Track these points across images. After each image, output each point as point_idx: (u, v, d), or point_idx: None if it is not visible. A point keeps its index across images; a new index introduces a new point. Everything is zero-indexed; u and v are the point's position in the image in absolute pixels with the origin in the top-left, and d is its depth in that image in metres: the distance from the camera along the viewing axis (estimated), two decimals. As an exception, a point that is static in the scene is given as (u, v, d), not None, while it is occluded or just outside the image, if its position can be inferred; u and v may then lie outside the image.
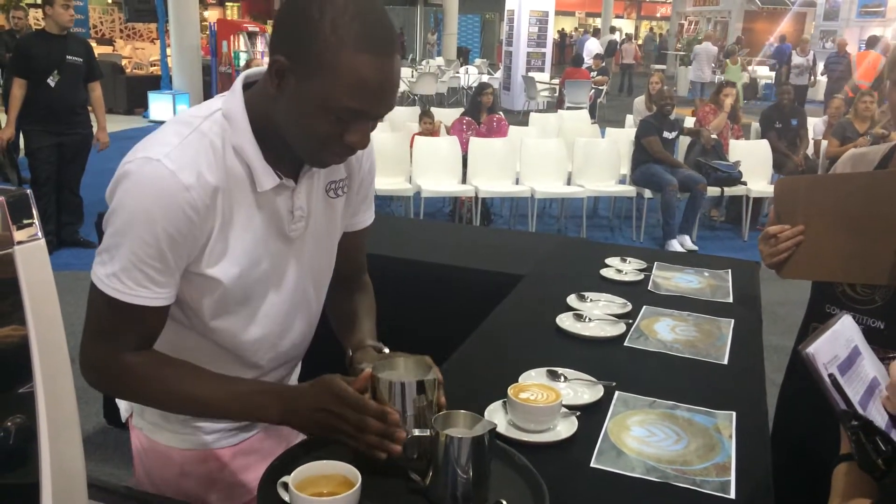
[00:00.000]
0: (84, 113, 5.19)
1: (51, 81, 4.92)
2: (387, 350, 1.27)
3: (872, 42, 11.34)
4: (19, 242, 0.77)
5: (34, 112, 4.97)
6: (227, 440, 1.31)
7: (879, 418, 0.95)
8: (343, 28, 0.98)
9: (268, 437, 1.36)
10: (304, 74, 1.00)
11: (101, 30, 20.29)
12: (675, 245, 6.01)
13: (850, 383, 0.98)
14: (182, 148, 1.05)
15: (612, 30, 23.76)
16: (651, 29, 33.49)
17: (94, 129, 5.27)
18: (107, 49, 17.15)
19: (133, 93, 12.57)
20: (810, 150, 7.22)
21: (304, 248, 1.23)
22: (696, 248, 6.07)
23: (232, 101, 1.11)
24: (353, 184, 1.30)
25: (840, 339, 1.03)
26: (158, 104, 11.92)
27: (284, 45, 1.01)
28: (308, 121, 1.04)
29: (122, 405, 1.37)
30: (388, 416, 1.07)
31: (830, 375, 0.94)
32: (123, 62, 14.58)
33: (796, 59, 12.90)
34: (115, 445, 2.90)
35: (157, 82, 12.60)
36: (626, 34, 24.74)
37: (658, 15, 37.78)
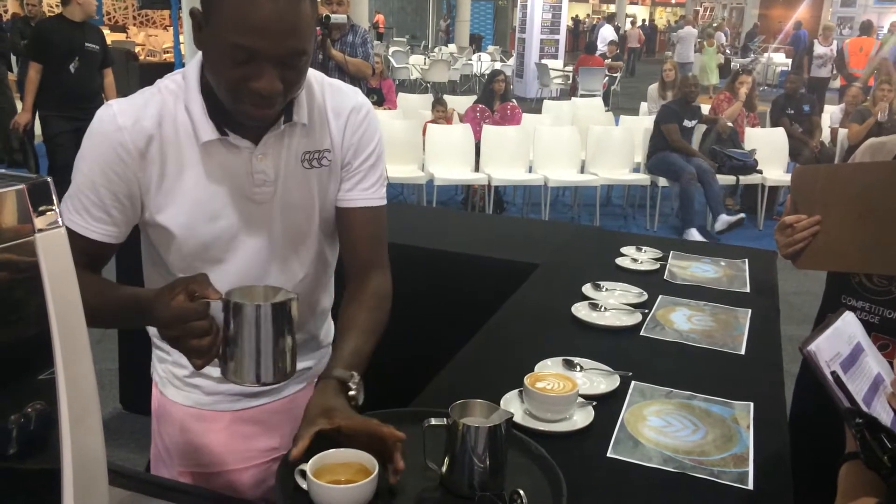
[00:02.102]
0: (99, 100, 5.22)
1: (72, 68, 4.97)
2: (354, 383, 1.15)
3: (865, 28, 11.03)
4: (40, 230, 0.77)
5: (52, 98, 5.00)
6: (226, 404, 1.34)
7: (885, 415, 0.94)
8: None
9: (277, 411, 1.37)
10: (206, 20, 1.06)
11: (114, 17, 20.31)
12: (695, 234, 5.94)
13: (854, 380, 0.97)
14: (134, 98, 1.17)
15: (617, 28, 23.72)
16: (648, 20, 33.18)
17: None
18: (120, 36, 17.17)
19: (146, 80, 12.13)
20: (826, 138, 7.16)
21: (273, 214, 1.23)
22: (736, 217, 6.01)
23: (193, 63, 1.18)
24: (337, 156, 1.27)
25: (842, 336, 1.01)
26: (172, 91, 11.94)
27: None
28: (215, 68, 1.08)
29: (154, 366, 1.41)
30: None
31: (833, 373, 0.93)
32: (137, 49, 14.60)
33: (819, 49, 11.76)
34: (132, 431, 2.93)
35: (171, 69, 12.49)
36: (632, 20, 24.67)
37: (673, 1, 37.44)
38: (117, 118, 1.13)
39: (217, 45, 1.05)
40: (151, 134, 1.14)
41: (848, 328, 1.04)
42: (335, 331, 1.34)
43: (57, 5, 5.10)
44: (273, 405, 1.37)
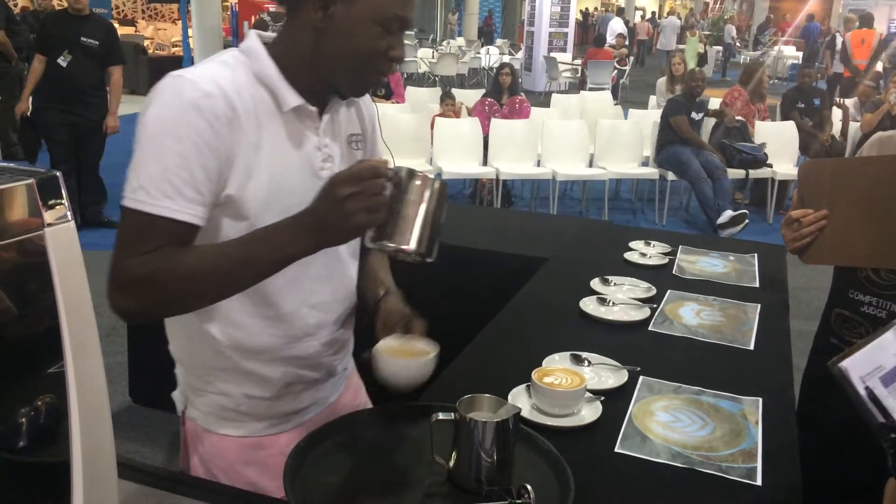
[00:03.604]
0: (99, 95, 5.19)
1: (62, 62, 4.94)
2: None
3: (866, 20, 10.93)
4: (49, 224, 0.77)
5: (45, 90, 5.02)
6: (279, 426, 1.29)
7: None
8: None
9: (321, 421, 1.32)
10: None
11: (123, 10, 20.35)
12: (729, 213, 5.90)
13: (894, 395, 0.95)
14: (202, 69, 1.11)
15: (626, 21, 23.88)
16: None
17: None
18: (129, 30, 17.21)
19: (155, 74, 12.38)
20: (837, 131, 7.11)
21: None
22: (738, 212, 5.96)
23: (247, 42, 1.16)
24: (367, 144, 1.33)
25: (888, 350, 0.99)
26: (180, 85, 11.96)
27: None
28: (359, 41, 1.10)
29: (178, 398, 1.33)
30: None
31: (867, 388, 0.91)
32: (146, 43, 14.64)
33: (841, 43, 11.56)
34: (141, 424, 2.94)
35: (179, 63, 12.64)
36: (641, 13, 24.79)
37: (683, -6, 37.16)
38: (200, 85, 1.06)
39: (368, 17, 1.09)
40: (234, 103, 1.08)
41: (894, 344, 1.01)
42: (363, 275, 1.37)
43: (65, -1, 5.08)
44: (317, 416, 1.33)
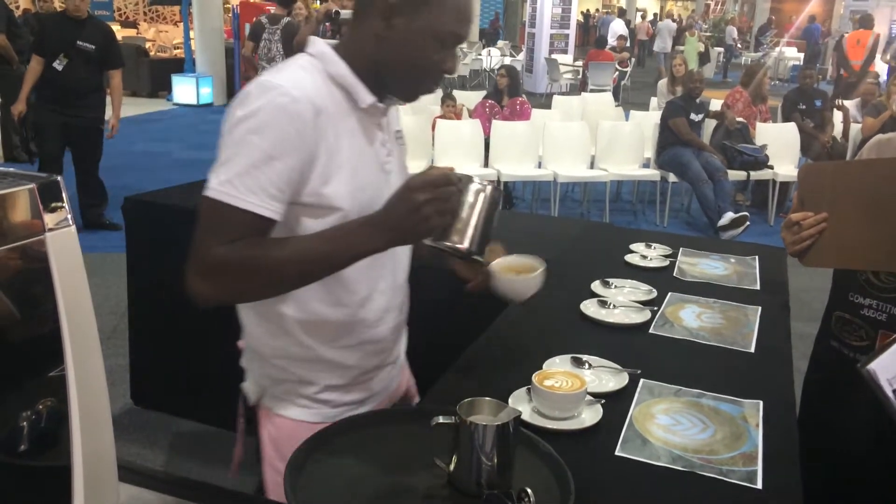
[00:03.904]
0: (95, 97, 5.17)
1: (57, 65, 4.94)
2: None
3: (865, 20, 10.96)
4: (50, 229, 0.78)
5: (42, 91, 5.03)
6: (353, 411, 1.35)
7: None
8: None
9: (386, 405, 1.45)
10: (414, 11, 1.17)
11: (124, 12, 20.37)
12: (730, 215, 5.91)
13: None
14: (287, 72, 1.19)
15: (628, 22, 24.11)
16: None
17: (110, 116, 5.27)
18: (131, 32, 17.23)
19: (157, 76, 12.64)
20: (838, 133, 7.11)
21: (393, 185, 1.24)
22: (739, 214, 5.97)
23: (317, 47, 1.24)
24: (403, 139, 1.43)
25: None
26: (182, 87, 11.98)
27: None
28: (419, 53, 1.19)
29: (249, 389, 1.38)
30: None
31: (895, 391, 0.90)
32: (147, 45, 14.65)
33: None
34: (142, 426, 2.95)
35: (181, 65, 12.65)
36: (642, 14, 24.95)
37: (684, -5, 37.16)
38: (289, 90, 1.14)
39: (429, 31, 1.18)
40: (319, 104, 1.16)
41: None
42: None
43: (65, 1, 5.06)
44: (382, 403, 1.43)
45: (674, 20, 20.23)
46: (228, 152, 1.13)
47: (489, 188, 1.16)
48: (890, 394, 0.89)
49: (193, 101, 11.83)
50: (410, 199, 1.07)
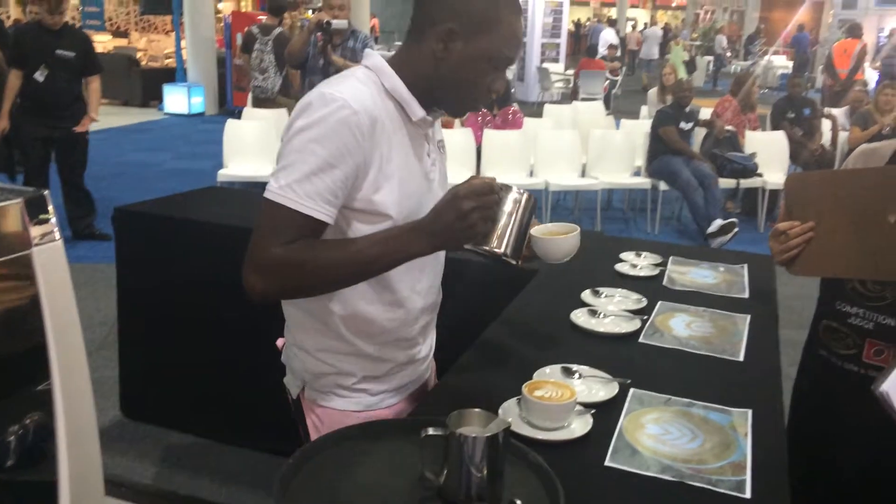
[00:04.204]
0: (77, 107, 5.13)
1: (38, 76, 4.89)
2: None
3: (853, 30, 11.11)
4: (37, 243, 0.78)
5: (24, 105, 4.98)
6: (390, 399, 1.47)
7: None
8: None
9: (417, 398, 1.54)
10: (472, 37, 1.26)
11: (116, 22, 20.34)
12: (719, 222, 5.95)
13: None
14: (344, 84, 1.26)
15: (618, 31, 24.47)
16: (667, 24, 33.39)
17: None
18: (122, 42, 17.20)
19: (148, 85, 12.63)
20: (826, 141, 7.16)
21: (437, 194, 1.36)
22: (727, 220, 6.00)
23: (374, 61, 1.33)
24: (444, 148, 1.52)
25: None
26: (173, 96, 11.97)
27: (450, 17, 1.26)
28: (473, 74, 1.29)
29: (291, 383, 1.48)
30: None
31: None
32: (139, 55, 14.62)
33: None
34: (132, 439, 2.92)
35: (173, 75, 12.63)
36: (633, 24, 25.23)
37: (674, 4, 37.44)
38: (349, 102, 1.21)
39: (485, 54, 1.27)
40: (375, 116, 1.24)
41: None
42: None
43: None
44: (415, 391, 1.54)
45: (662, 28, 21.11)
46: (290, 158, 1.21)
47: (525, 197, 1.26)
48: None
49: (185, 111, 11.82)
50: (458, 207, 1.16)
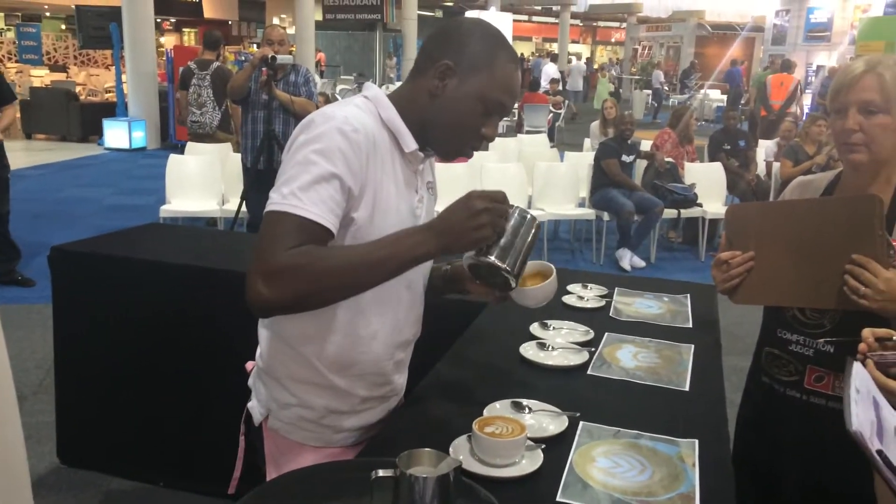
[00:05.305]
0: None
1: None
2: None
3: (786, 65, 11.76)
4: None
5: None
6: (353, 439, 1.47)
7: None
8: (495, 43, 1.33)
9: (386, 436, 1.47)
10: (467, 75, 1.30)
11: (54, 56, 19.96)
12: (625, 261, 6.21)
13: (890, 448, 0.91)
14: (348, 110, 1.29)
15: (568, 61, 25.28)
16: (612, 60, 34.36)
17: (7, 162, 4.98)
18: (60, 76, 16.86)
19: (88, 120, 12.36)
20: (762, 171, 7.41)
21: None
22: (643, 264, 6.28)
23: (373, 91, 1.36)
24: (435, 191, 1.53)
25: (867, 397, 0.98)
26: (114, 131, 11.74)
27: (448, 53, 1.31)
28: (464, 114, 1.32)
29: (256, 409, 1.47)
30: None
31: (879, 451, 0.88)
32: (77, 89, 14.34)
33: None
34: (70, 486, 2.80)
35: (113, 109, 12.41)
36: (576, 57, 26.07)
37: (613, 40, 38.60)
38: (350, 121, 1.25)
39: (474, 97, 1.30)
40: (373, 140, 1.28)
41: (864, 383, 1.00)
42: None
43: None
44: (382, 433, 1.48)
45: (584, 63, 22.55)
46: (292, 171, 1.22)
47: (536, 221, 1.31)
48: (876, 457, 0.87)
49: (126, 146, 11.60)
50: (471, 205, 1.20)
